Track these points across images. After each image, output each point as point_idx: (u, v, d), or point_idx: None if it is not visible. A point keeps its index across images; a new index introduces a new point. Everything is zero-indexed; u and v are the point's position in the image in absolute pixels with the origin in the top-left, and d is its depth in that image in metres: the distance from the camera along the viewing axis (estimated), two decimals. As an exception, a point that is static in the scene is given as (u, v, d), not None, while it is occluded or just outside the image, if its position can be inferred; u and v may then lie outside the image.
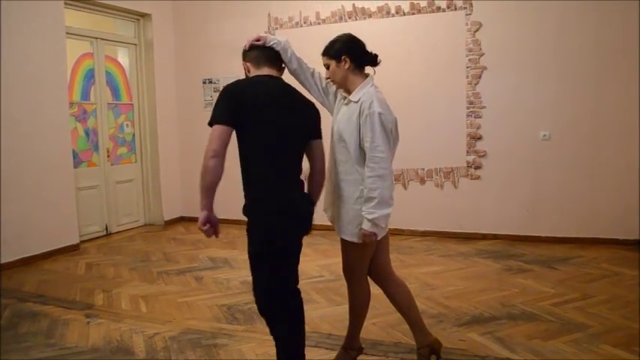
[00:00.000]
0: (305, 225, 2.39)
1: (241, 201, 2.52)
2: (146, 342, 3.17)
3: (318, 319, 3.42)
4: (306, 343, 2.56)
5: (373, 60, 2.53)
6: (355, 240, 2.45)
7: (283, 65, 2.54)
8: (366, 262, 2.58)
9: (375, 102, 2.36)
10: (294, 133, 2.34)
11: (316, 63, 2.69)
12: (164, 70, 6.83)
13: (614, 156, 5.11)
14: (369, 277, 2.69)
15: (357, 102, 2.43)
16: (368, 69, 2.58)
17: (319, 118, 2.43)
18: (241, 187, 2.50)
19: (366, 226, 2.34)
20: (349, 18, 5.97)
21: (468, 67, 5.52)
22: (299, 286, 2.46)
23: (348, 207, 2.46)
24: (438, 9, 5.59)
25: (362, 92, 2.44)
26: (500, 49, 5.40)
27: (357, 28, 5.88)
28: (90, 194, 6.02)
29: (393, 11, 5.78)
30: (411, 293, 2.71)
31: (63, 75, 5.44)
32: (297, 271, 2.44)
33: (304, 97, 2.43)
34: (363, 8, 5.91)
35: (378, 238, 2.41)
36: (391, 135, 2.42)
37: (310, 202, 2.42)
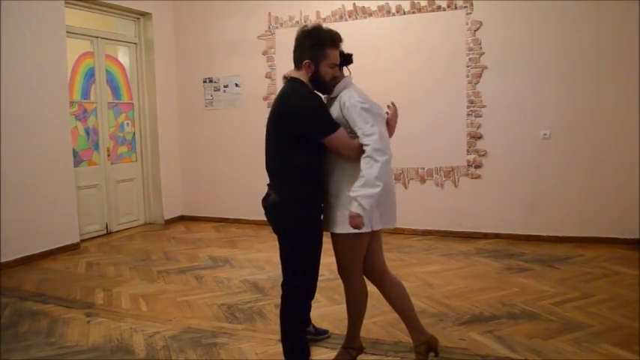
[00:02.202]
0: (270, 220, 2.59)
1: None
2: (146, 341, 3.17)
3: (319, 318, 3.41)
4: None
5: (348, 60, 2.60)
6: (345, 230, 2.44)
7: (307, 67, 2.47)
8: (358, 260, 2.58)
9: (354, 93, 2.45)
10: (269, 136, 2.55)
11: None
12: (164, 69, 6.83)
13: (615, 155, 5.10)
14: (365, 277, 2.69)
15: (335, 97, 2.51)
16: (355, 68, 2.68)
17: (300, 119, 2.40)
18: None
19: (352, 207, 2.34)
20: (349, 17, 5.97)
21: (468, 67, 5.52)
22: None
23: (338, 201, 2.48)
24: (439, 8, 5.58)
25: (339, 89, 2.51)
26: (501, 48, 5.39)
27: (357, 27, 5.92)
28: (90, 193, 6.02)
29: (393, 10, 5.78)
30: (407, 292, 2.71)
31: (63, 74, 5.44)
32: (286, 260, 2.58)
33: (286, 99, 2.47)
34: (363, 7, 5.90)
35: (364, 225, 2.37)
36: (379, 116, 2.47)
37: (268, 201, 2.55)
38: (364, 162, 2.33)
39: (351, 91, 2.47)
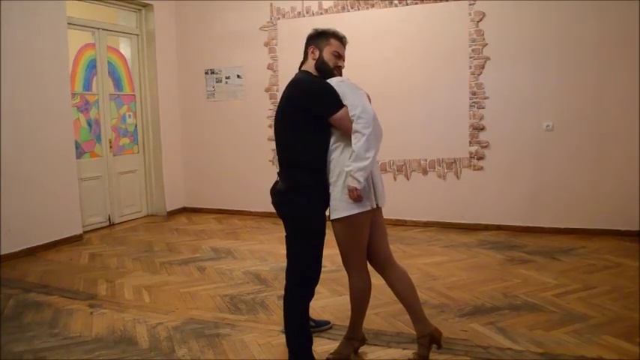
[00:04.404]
0: (276, 207, 2.66)
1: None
2: (149, 332, 3.19)
3: (321, 309, 3.43)
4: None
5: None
6: (342, 214, 2.50)
7: (311, 53, 2.65)
8: (359, 249, 2.60)
9: (333, 79, 2.58)
10: (278, 125, 2.67)
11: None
12: (166, 61, 6.81)
13: (617, 147, 5.09)
14: (371, 267, 2.70)
15: None
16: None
17: (308, 99, 2.53)
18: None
19: (349, 181, 2.44)
20: (352, 8, 5.93)
21: (471, 58, 5.49)
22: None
23: (333, 189, 2.54)
24: (442, -1, 5.56)
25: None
26: (504, 39, 5.36)
27: (359, 18, 5.89)
28: (93, 185, 6.02)
29: (396, 1, 5.74)
30: (413, 283, 2.71)
31: (65, 66, 5.43)
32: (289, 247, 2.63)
33: (295, 85, 2.59)
34: (365, -2, 5.88)
35: (361, 198, 2.44)
36: (359, 90, 2.58)
37: (275, 189, 2.63)
38: (353, 137, 2.44)
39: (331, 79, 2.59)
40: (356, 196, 2.43)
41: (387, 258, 2.71)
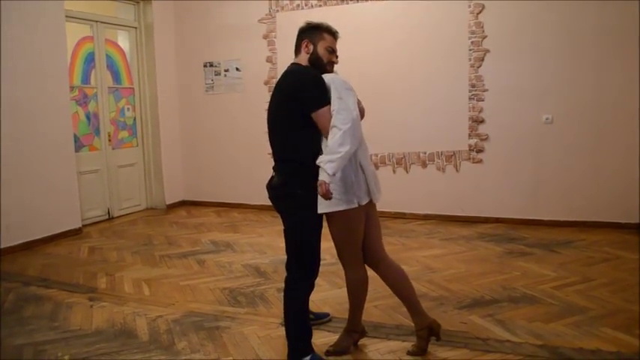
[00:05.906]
0: (273, 202, 2.67)
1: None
2: (149, 325, 3.19)
3: (320, 301, 3.44)
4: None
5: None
6: (327, 209, 2.48)
7: (305, 47, 2.62)
8: (354, 244, 2.60)
9: (327, 75, 2.55)
10: (271, 118, 2.63)
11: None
12: (165, 54, 6.79)
13: (616, 139, 5.09)
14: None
15: None
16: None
17: (298, 88, 2.48)
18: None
19: (319, 175, 2.38)
20: (351, 0, 5.91)
21: (470, 50, 5.47)
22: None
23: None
24: (441, -10, 5.53)
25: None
26: (503, 31, 5.34)
27: (358, 10, 5.87)
28: (92, 178, 6.02)
29: (395, -7, 5.72)
30: (407, 276, 2.72)
31: (63, 59, 5.41)
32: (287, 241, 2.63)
33: (287, 76, 2.57)
34: (364, -10, 5.84)
35: (330, 193, 2.35)
36: (349, 90, 2.51)
37: (272, 184, 2.63)
38: (330, 132, 2.39)
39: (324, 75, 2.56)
40: (324, 191, 2.34)
41: (380, 253, 2.70)
